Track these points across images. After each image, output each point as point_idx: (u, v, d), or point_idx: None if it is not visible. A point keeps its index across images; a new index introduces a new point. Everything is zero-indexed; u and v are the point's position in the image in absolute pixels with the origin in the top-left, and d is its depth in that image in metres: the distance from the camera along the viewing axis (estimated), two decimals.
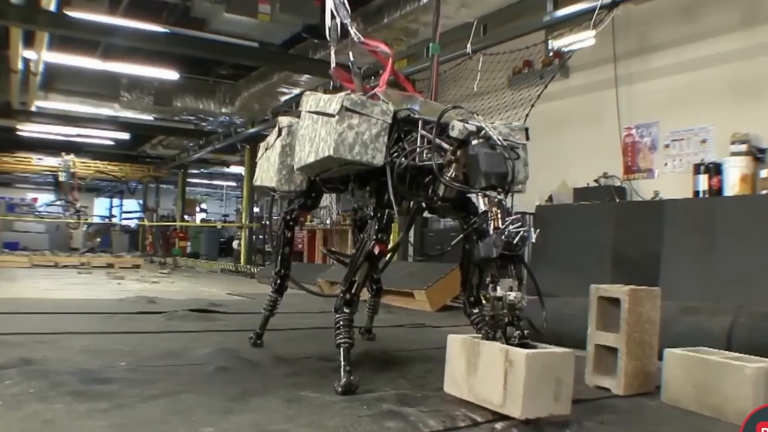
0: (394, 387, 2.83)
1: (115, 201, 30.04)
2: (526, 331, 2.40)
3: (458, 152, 2.75)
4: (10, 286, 8.01)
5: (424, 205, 3.33)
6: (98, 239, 20.51)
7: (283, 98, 11.28)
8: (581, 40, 6.25)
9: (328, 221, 11.87)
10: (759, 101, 5.80)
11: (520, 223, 2.52)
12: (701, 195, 5.87)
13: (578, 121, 7.56)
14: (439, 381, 3.01)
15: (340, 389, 2.65)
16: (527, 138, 3.28)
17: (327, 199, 10.98)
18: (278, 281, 3.93)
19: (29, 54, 9.69)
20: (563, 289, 5.53)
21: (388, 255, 3.66)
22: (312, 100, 3.09)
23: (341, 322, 2.88)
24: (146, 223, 22.09)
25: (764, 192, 5.40)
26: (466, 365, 2.45)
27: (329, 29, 3.80)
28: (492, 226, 2.50)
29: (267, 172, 3.78)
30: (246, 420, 2.24)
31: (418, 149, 2.86)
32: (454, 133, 2.74)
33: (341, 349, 2.81)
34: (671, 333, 3.40)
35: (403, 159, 2.87)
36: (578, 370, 3.13)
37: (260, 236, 15.66)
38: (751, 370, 2.49)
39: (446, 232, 8.57)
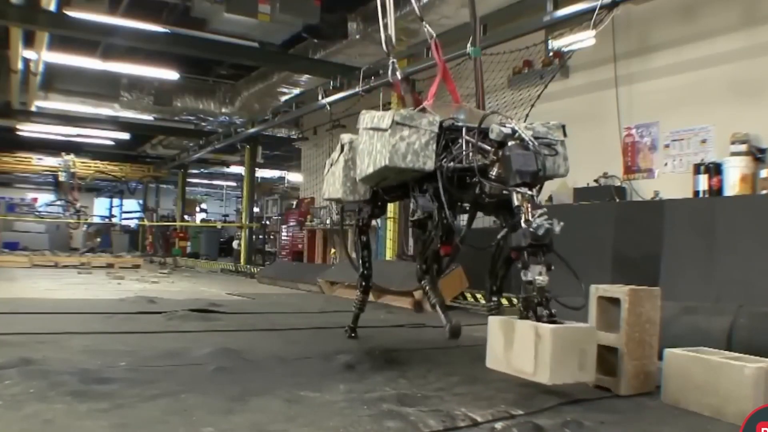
0: (394, 387, 2.83)
1: (115, 201, 30.03)
2: (554, 310, 2.68)
3: (499, 153, 3.04)
4: (10, 286, 8.01)
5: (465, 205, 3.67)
6: (98, 239, 20.51)
7: (283, 98, 11.28)
8: (581, 40, 6.25)
9: (328, 221, 11.87)
10: (759, 101, 5.79)
11: (546, 216, 2.81)
12: (701, 195, 5.87)
13: (578, 121, 7.53)
14: (439, 381, 3.01)
15: (448, 335, 3.52)
16: (564, 134, 3.53)
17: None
18: (363, 282, 4.31)
19: (29, 54, 9.69)
20: (563, 289, 5.54)
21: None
22: (368, 118, 3.46)
23: (426, 286, 3.80)
24: (146, 223, 22.09)
25: (764, 192, 5.39)
26: (504, 342, 2.68)
27: (385, 42, 4.29)
28: (523, 219, 2.81)
29: (333, 185, 4.16)
30: (246, 420, 2.24)
31: (463, 152, 3.19)
32: (492, 136, 3.03)
33: (436, 308, 3.64)
34: (671, 333, 3.40)
35: (450, 163, 3.20)
36: None
37: (260, 236, 15.67)
38: (751, 370, 2.49)
39: None
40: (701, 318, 3.73)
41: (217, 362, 3.20)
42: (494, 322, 2.80)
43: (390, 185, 3.77)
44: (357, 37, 8.23)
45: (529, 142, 3.00)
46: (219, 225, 22.92)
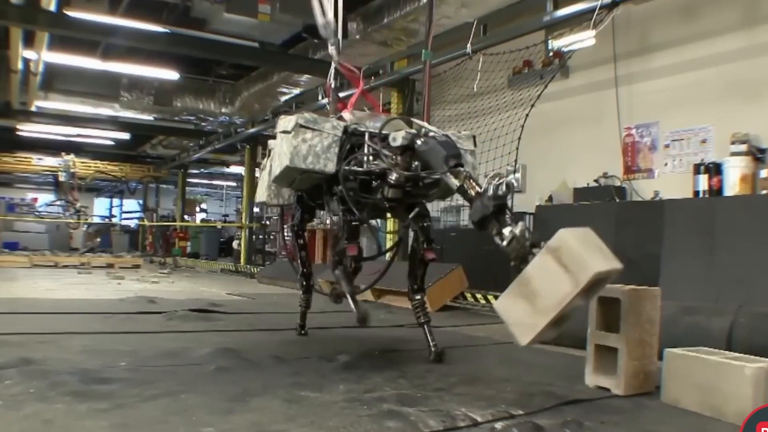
0: (394, 387, 2.83)
1: (115, 201, 30.04)
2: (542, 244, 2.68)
3: (399, 158, 3.18)
4: (10, 286, 8.01)
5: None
6: (98, 239, 20.50)
7: (283, 98, 11.28)
8: (581, 40, 6.26)
9: (328, 221, 11.86)
10: (759, 101, 5.80)
11: (498, 177, 2.83)
12: (701, 195, 5.87)
13: (578, 121, 7.56)
14: (439, 381, 3.01)
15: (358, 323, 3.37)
16: (474, 144, 3.64)
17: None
18: (304, 282, 4.36)
19: (29, 54, 9.69)
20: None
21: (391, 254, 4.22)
22: (282, 122, 3.51)
23: (338, 275, 3.60)
24: (146, 223, 22.09)
25: (764, 192, 5.40)
26: (526, 302, 2.47)
27: (321, 27, 4.25)
28: (474, 193, 2.83)
29: (260, 189, 4.29)
30: (246, 420, 2.24)
31: (364, 157, 3.33)
32: (396, 143, 3.15)
33: (347, 294, 3.51)
34: (671, 333, 3.40)
35: (353, 167, 3.32)
36: (578, 370, 3.15)
37: (260, 236, 15.67)
38: (751, 370, 2.49)
39: (446, 233, 8.58)
40: (701, 318, 3.73)
41: (217, 362, 3.20)
42: (504, 302, 2.56)
43: (312, 190, 3.82)
44: (357, 37, 8.24)
45: (441, 135, 3.14)
46: (219, 225, 22.92)
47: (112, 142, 17.78)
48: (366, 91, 4.17)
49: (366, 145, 3.37)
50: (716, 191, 5.77)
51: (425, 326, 3.63)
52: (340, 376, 3.03)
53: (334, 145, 3.34)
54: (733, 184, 5.63)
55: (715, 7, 6.25)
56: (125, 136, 16.40)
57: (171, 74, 10.87)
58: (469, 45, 7.08)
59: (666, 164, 6.64)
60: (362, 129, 3.43)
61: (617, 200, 6.50)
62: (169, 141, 17.92)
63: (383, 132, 3.31)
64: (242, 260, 14.51)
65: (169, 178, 22.20)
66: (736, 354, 2.81)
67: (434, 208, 8.43)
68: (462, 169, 2.94)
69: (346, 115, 3.68)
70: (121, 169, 21.72)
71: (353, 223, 3.46)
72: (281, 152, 3.44)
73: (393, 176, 3.23)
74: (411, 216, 3.56)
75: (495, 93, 7.85)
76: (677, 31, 6.55)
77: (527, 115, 6.67)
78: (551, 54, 7.64)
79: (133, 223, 25.71)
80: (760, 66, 5.82)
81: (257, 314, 5.79)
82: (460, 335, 4.94)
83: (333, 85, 4.28)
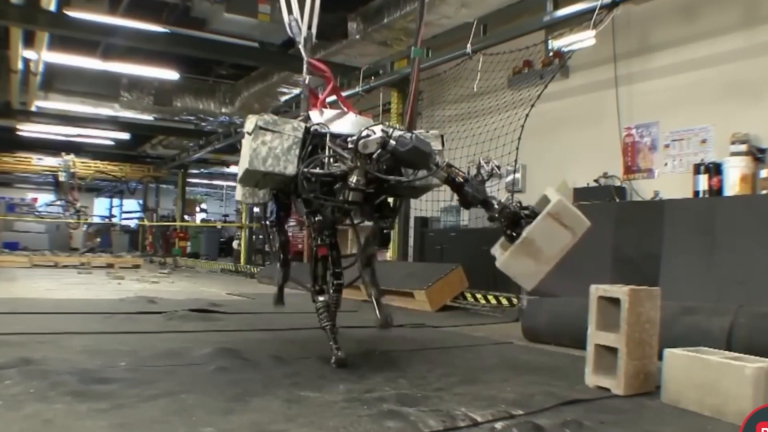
0: (394, 387, 2.83)
1: (115, 201, 30.02)
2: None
3: (359, 162, 3.18)
4: (10, 286, 8.01)
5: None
6: (98, 239, 20.50)
7: (283, 98, 11.27)
8: (581, 40, 6.25)
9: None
10: (759, 101, 5.79)
11: (486, 163, 3.22)
12: (701, 195, 5.86)
13: (578, 121, 7.56)
14: (439, 381, 3.01)
15: (334, 365, 3.19)
16: (442, 144, 3.70)
17: None
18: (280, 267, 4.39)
19: (29, 54, 9.69)
20: (563, 289, 5.53)
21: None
22: (248, 122, 3.45)
23: (320, 309, 3.44)
24: (146, 223, 22.08)
25: (764, 192, 5.39)
26: (528, 257, 3.04)
27: (287, 24, 4.23)
28: (462, 179, 3.21)
29: (238, 187, 4.31)
30: (246, 420, 2.24)
31: (324, 158, 3.32)
32: (367, 151, 3.11)
33: (326, 330, 3.38)
34: (671, 333, 3.40)
35: (313, 169, 3.29)
36: (578, 370, 3.15)
37: (260, 236, 15.65)
38: (751, 370, 2.49)
39: (446, 232, 8.58)
40: (701, 318, 3.73)
41: (217, 362, 3.20)
42: (509, 255, 3.07)
43: (285, 188, 3.78)
44: (357, 37, 8.23)
45: (411, 133, 3.24)
46: (219, 225, 22.91)
47: (112, 142, 17.77)
48: (336, 89, 4.12)
49: (327, 147, 3.34)
50: (716, 191, 5.77)
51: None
52: (340, 376, 3.03)
53: (294, 146, 3.30)
54: (733, 184, 5.63)
55: (715, 7, 6.24)
56: (125, 136, 16.39)
57: (171, 74, 10.86)
58: (469, 45, 7.07)
59: (666, 164, 6.64)
60: (324, 130, 3.39)
61: (617, 200, 6.50)
62: (169, 141, 17.91)
63: (347, 134, 3.31)
64: (242, 260, 14.51)
65: (169, 178, 22.18)
66: (736, 354, 2.81)
67: (434, 208, 8.45)
68: (451, 167, 3.21)
69: (314, 113, 3.65)
70: (121, 169, 21.70)
71: (320, 223, 3.45)
72: (243, 154, 3.42)
73: (353, 179, 3.21)
74: (376, 214, 3.60)
75: (495, 93, 7.84)
76: (677, 31, 6.54)
77: (527, 115, 6.66)
78: (551, 54, 7.64)
79: (133, 223, 25.70)
80: (760, 66, 5.81)
81: (257, 314, 5.79)
82: (460, 335, 4.94)
83: (307, 82, 4.20)
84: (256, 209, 15.85)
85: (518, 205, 3.18)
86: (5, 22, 8.13)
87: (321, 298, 3.45)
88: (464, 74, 7.76)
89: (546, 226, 2.99)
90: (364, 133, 3.15)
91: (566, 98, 7.64)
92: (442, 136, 3.73)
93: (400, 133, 3.21)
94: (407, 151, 3.11)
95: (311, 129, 3.39)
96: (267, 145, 3.25)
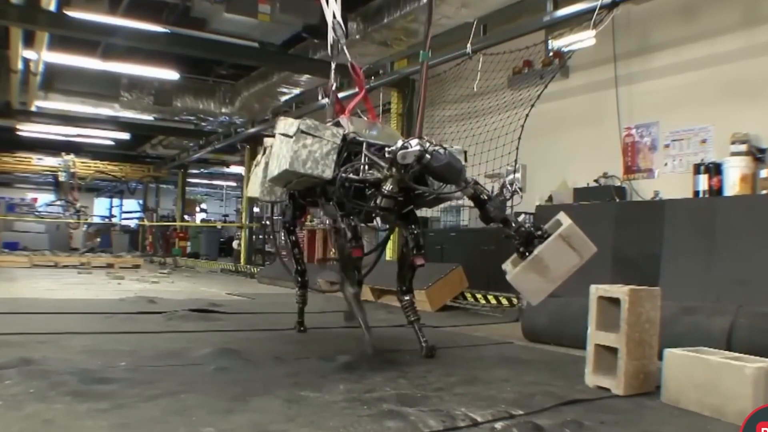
0: (394, 387, 2.83)
1: (115, 201, 30.03)
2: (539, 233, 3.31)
3: (393, 170, 3.33)
4: (10, 286, 8.00)
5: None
6: (98, 239, 20.49)
7: (283, 98, 11.27)
8: (581, 40, 6.25)
9: (328, 221, 11.85)
10: (759, 101, 5.80)
11: (510, 185, 3.53)
12: (701, 195, 5.87)
13: (578, 121, 7.56)
14: (439, 381, 3.01)
15: (370, 351, 3.42)
16: (465, 160, 3.81)
17: None
18: (299, 279, 4.60)
19: (29, 54, 9.69)
20: (563, 289, 5.52)
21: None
22: (282, 124, 3.65)
23: (352, 300, 3.63)
24: (146, 223, 22.08)
25: (764, 192, 5.40)
26: (537, 274, 3.23)
27: (330, 47, 4.37)
28: (486, 197, 3.38)
29: (254, 184, 4.46)
30: (246, 420, 2.24)
31: (360, 166, 3.48)
32: (405, 161, 3.26)
33: (360, 321, 3.56)
34: (671, 333, 3.40)
35: (350, 174, 3.46)
36: (578, 370, 3.15)
37: (260, 236, 15.66)
38: (751, 370, 2.49)
39: (446, 232, 8.58)
40: (701, 318, 3.73)
41: (217, 362, 3.20)
42: (520, 270, 3.26)
43: (304, 190, 3.96)
44: (357, 37, 8.23)
45: (441, 149, 3.39)
46: (219, 225, 22.91)
47: (112, 142, 17.77)
48: (367, 97, 4.24)
49: (363, 155, 3.50)
50: (716, 191, 5.77)
51: (415, 324, 3.78)
52: (340, 376, 3.03)
53: (332, 152, 3.46)
54: (733, 184, 5.63)
55: (715, 7, 6.24)
56: (125, 136, 16.39)
57: (171, 74, 10.86)
58: (469, 45, 7.08)
59: (666, 164, 6.64)
60: (360, 139, 3.56)
61: (617, 200, 6.50)
62: (169, 141, 17.91)
63: (381, 143, 3.48)
64: (242, 260, 14.51)
65: (169, 178, 22.19)
66: (736, 354, 2.81)
67: (434, 208, 8.44)
68: (470, 180, 3.37)
69: (344, 121, 3.79)
70: (121, 169, 21.71)
71: (353, 226, 3.58)
72: (281, 155, 3.55)
73: (387, 187, 3.39)
74: (402, 222, 3.73)
75: (495, 93, 7.85)
76: (677, 31, 6.54)
77: (527, 115, 6.67)
78: (551, 54, 7.64)
79: (133, 223, 25.70)
80: (760, 66, 5.81)
81: (257, 314, 5.79)
82: (460, 335, 4.94)
83: (334, 87, 4.36)
84: (256, 209, 15.95)
85: (532, 225, 3.35)
86: (5, 22, 8.13)
87: (352, 290, 3.67)
88: (464, 74, 7.77)
89: (556, 247, 3.18)
90: (402, 145, 3.30)
91: (566, 98, 7.65)
92: (465, 152, 3.87)
93: (435, 148, 3.36)
94: (442, 166, 3.29)
95: (348, 137, 3.55)
96: (307, 148, 3.41)
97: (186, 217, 21.52)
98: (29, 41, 9.22)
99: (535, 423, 2.29)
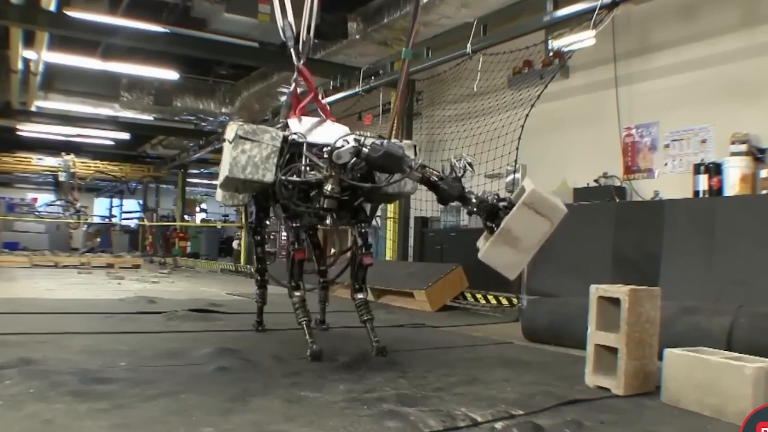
0: (394, 387, 2.83)
1: (115, 201, 30.02)
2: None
3: (333, 171, 3.31)
4: (10, 286, 8.00)
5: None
6: (98, 239, 20.50)
7: (283, 98, 11.26)
8: (581, 40, 6.24)
9: (328, 221, 11.83)
10: (759, 101, 5.79)
11: (459, 159, 3.32)
12: (701, 195, 5.86)
13: (578, 121, 7.56)
14: (439, 381, 3.01)
15: (309, 357, 3.34)
16: (415, 154, 3.76)
17: None
18: (259, 277, 4.68)
19: (29, 54, 9.69)
20: (563, 289, 5.53)
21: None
22: (228, 129, 3.57)
23: (296, 304, 3.60)
24: (146, 223, 22.08)
25: (764, 192, 5.39)
26: (508, 247, 3.09)
27: (280, 29, 4.42)
28: (436, 178, 3.32)
29: (218, 190, 4.34)
30: (246, 420, 2.24)
31: (302, 167, 3.45)
32: (341, 161, 3.25)
33: (302, 326, 3.52)
34: (671, 333, 3.40)
35: (291, 177, 3.42)
36: (578, 370, 3.15)
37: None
38: (751, 370, 2.49)
39: (446, 232, 8.58)
40: (701, 318, 3.73)
41: (217, 362, 3.20)
42: (489, 246, 3.13)
43: (264, 192, 3.91)
44: (357, 37, 8.24)
45: (382, 140, 3.39)
46: (219, 225, 22.91)
47: (112, 142, 17.77)
48: (317, 97, 4.26)
49: (303, 156, 3.48)
50: (716, 191, 5.77)
51: (367, 324, 3.74)
52: (340, 376, 3.03)
53: (273, 155, 3.43)
54: (733, 184, 5.62)
55: (715, 7, 6.24)
56: (125, 136, 16.39)
57: (171, 74, 10.87)
58: (469, 45, 7.07)
59: (666, 164, 6.64)
60: (301, 140, 3.53)
61: (617, 200, 6.50)
62: (169, 141, 17.91)
63: (322, 143, 3.47)
64: (242, 260, 14.51)
65: (169, 178, 22.18)
66: (736, 354, 2.81)
67: (434, 207, 8.44)
68: (423, 167, 3.32)
69: (292, 121, 3.77)
70: (121, 169, 21.70)
71: (297, 228, 3.61)
72: (223, 160, 3.53)
73: (328, 187, 3.35)
74: (353, 221, 3.70)
75: (495, 93, 7.85)
76: (677, 31, 6.54)
77: (527, 115, 6.66)
78: (551, 54, 7.63)
79: (133, 223, 25.69)
80: (760, 66, 5.81)
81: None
82: (460, 335, 4.94)
83: (293, 88, 4.33)
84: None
85: (496, 197, 3.25)
86: (5, 22, 8.13)
87: (297, 293, 3.61)
88: (464, 74, 7.76)
89: (522, 215, 3.04)
90: (338, 144, 3.29)
91: (566, 98, 7.64)
92: (415, 146, 3.84)
93: (372, 140, 3.37)
94: (380, 157, 3.25)
95: (289, 138, 3.52)
96: (246, 153, 3.38)
97: (186, 217, 21.51)
98: (29, 41, 9.22)
99: (535, 423, 2.29)
